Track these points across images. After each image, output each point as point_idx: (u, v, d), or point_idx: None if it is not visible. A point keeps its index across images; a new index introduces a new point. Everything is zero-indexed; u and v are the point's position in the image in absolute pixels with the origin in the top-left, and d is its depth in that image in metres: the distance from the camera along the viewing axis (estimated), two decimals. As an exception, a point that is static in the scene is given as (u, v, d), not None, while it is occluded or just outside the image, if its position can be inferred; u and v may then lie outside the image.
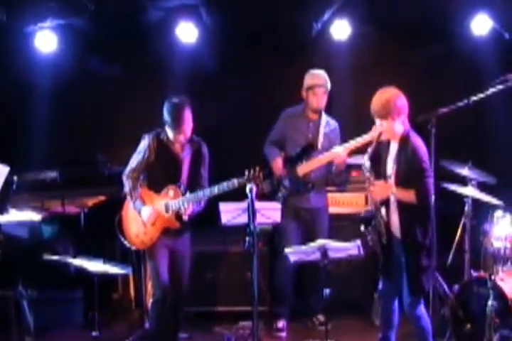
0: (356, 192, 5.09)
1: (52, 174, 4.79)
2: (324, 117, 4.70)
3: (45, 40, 5.11)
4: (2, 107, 5.19)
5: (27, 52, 5.16)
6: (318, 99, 4.62)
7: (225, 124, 5.16)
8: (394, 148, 3.84)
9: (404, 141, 3.77)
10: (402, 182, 3.75)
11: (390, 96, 3.76)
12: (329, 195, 4.97)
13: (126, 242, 4.11)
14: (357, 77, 5.20)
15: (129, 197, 4.03)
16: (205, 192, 3.87)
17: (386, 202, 3.84)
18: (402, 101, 3.78)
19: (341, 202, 5.11)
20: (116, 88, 5.21)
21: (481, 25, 5.06)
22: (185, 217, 3.92)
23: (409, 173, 3.72)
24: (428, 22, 5.03)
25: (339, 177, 4.78)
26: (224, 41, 5.26)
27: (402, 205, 3.76)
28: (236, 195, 4.30)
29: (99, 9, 4.58)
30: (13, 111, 5.21)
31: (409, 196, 3.71)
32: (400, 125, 3.76)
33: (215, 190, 3.84)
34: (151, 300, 4.14)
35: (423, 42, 5.24)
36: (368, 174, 3.81)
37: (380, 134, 3.81)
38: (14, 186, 4.43)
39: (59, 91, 5.22)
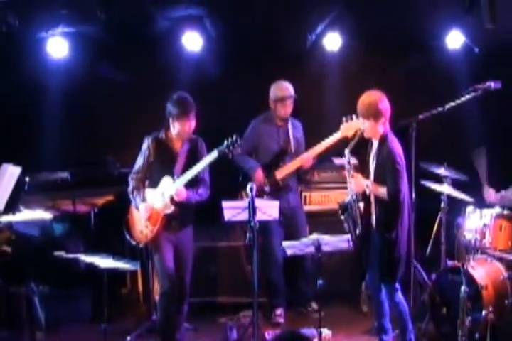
0: (344, 190, 4.79)
1: (63, 174, 4.63)
2: (290, 120, 4.55)
3: (57, 46, 4.85)
4: (15, 110, 4.96)
5: (39, 57, 4.91)
6: (287, 109, 4.46)
7: (226, 126, 4.91)
8: (375, 146, 3.78)
9: (382, 141, 3.72)
10: (377, 178, 3.71)
11: (373, 99, 3.70)
12: (320, 193, 4.83)
13: (133, 241, 3.94)
14: (346, 84, 5.05)
15: (130, 196, 3.86)
16: (192, 170, 3.70)
17: (366, 195, 3.79)
18: (384, 104, 3.71)
19: (331, 199, 4.86)
20: (124, 92, 5.03)
21: (455, 40, 4.95)
22: (176, 197, 3.69)
23: (384, 172, 3.68)
24: (408, 36, 4.93)
25: (305, 176, 4.69)
26: (226, 50, 5.09)
27: (378, 199, 3.73)
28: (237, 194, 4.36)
29: (109, 17, 4.35)
30: (25, 114, 5.01)
31: (382, 192, 3.67)
32: (381, 126, 3.69)
33: (200, 165, 3.70)
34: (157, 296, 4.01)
35: (403, 55, 5.12)
36: (347, 166, 3.78)
37: (362, 132, 3.76)
38: (26, 186, 4.16)
39: (70, 94, 5.02)
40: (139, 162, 3.83)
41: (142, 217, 3.77)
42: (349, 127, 4.22)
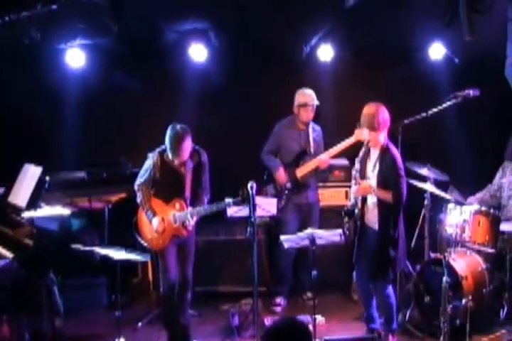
0: (338, 188, 4.87)
1: (80, 174, 4.63)
2: (311, 125, 4.52)
3: (75, 57, 4.83)
4: (36, 115, 4.89)
5: (59, 67, 4.89)
6: (308, 114, 4.43)
7: (228, 131, 4.97)
8: (375, 155, 3.73)
9: (385, 151, 3.69)
10: (381, 184, 3.67)
11: (375, 110, 3.65)
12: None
13: (141, 241, 3.90)
14: (337, 91, 5.00)
15: (141, 208, 3.77)
16: (206, 209, 3.67)
17: (364, 199, 3.76)
18: (385, 115, 3.68)
19: (326, 197, 4.85)
20: (136, 99, 4.98)
21: (437, 51, 4.94)
22: (190, 228, 3.70)
23: (388, 178, 3.66)
24: (394, 48, 4.92)
25: (322, 175, 4.62)
26: (229, 60, 5.02)
27: (381, 203, 3.68)
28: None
29: (122, 31, 4.31)
30: (46, 119, 4.93)
31: (388, 196, 3.64)
32: (383, 136, 3.68)
33: (214, 207, 3.66)
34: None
35: (390, 65, 5.07)
36: (356, 174, 3.72)
37: (368, 142, 3.72)
38: (46, 185, 4.04)
39: (86, 101, 4.96)
40: (145, 175, 3.72)
41: (153, 230, 3.68)
42: (361, 131, 4.11)
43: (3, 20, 3.14)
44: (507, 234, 4.02)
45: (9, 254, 3.64)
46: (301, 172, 4.41)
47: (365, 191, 3.66)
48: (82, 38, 4.61)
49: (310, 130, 4.45)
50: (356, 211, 3.73)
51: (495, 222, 3.96)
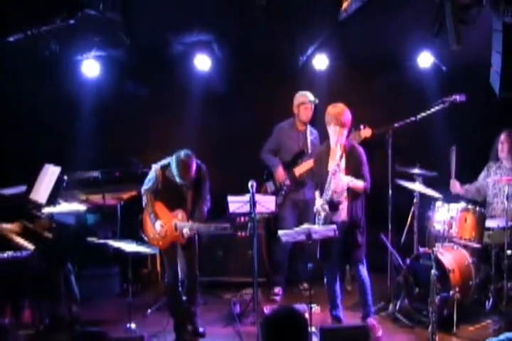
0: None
1: (95, 173, 4.67)
2: (308, 128, 4.58)
3: (90, 68, 4.94)
4: (55, 120, 4.98)
5: (75, 76, 4.99)
6: (308, 113, 4.48)
7: (231, 134, 5.04)
8: (337, 152, 3.77)
9: (352, 147, 3.78)
10: (352, 176, 3.75)
11: (343, 109, 3.73)
12: None
13: (145, 238, 3.89)
14: (332, 98, 4.92)
15: (145, 209, 3.82)
16: (205, 228, 3.70)
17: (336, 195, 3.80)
18: (349, 115, 3.73)
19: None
20: (145, 105, 5.05)
21: (425, 60, 4.96)
22: (184, 238, 3.71)
23: (358, 170, 3.75)
24: (385, 57, 4.97)
25: None
26: (231, 69, 5.09)
27: (350, 195, 3.74)
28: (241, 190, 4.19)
29: (133, 43, 4.40)
30: (64, 123, 5.02)
31: (360, 185, 3.73)
32: (345, 133, 3.76)
33: (213, 229, 3.69)
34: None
35: (381, 72, 5.12)
36: (336, 168, 3.74)
37: (329, 140, 3.77)
38: (64, 183, 4.15)
39: (100, 107, 5.04)
40: (149, 184, 3.73)
41: (156, 232, 3.71)
42: (356, 137, 4.25)
43: (26, 34, 3.24)
44: (492, 230, 4.04)
45: (31, 246, 3.77)
46: (299, 170, 4.46)
47: (343, 182, 3.68)
48: (97, 50, 4.70)
49: (308, 132, 4.52)
50: (327, 208, 3.70)
51: (481, 218, 3.99)
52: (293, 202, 4.48)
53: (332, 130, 3.75)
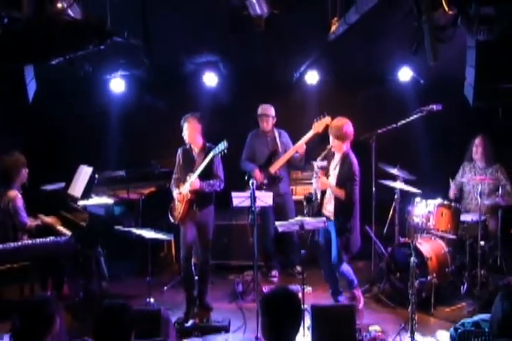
0: (309, 185, 4.84)
1: (121, 173, 4.84)
2: (275, 130, 4.66)
3: (117, 85, 5.12)
4: (88, 129, 5.20)
5: (105, 92, 5.18)
6: (264, 124, 4.60)
7: (235, 141, 4.86)
8: (337, 158, 3.85)
9: (345, 157, 3.80)
10: (338, 183, 3.81)
11: (343, 123, 3.75)
12: (303, 186, 4.93)
13: (172, 219, 4.06)
14: (322, 109, 4.91)
15: (171, 189, 4.05)
16: (199, 168, 3.88)
17: (324, 193, 3.87)
18: (350, 128, 3.76)
19: (299, 191, 5.04)
20: (162, 115, 5.20)
21: (405, 74, 5.07)
22: (190, 188, 3.87)
23: (344, 180, 3.78)
24: (369, 73, 5.05)
25: (300, 162, 4.65)
26: (235, 85, 5.24)
27: (336, 198, 3.80)
28: (241, 187, 4.36)
29: (152, 63, 4.53)
30: (95, 131, 5.23)
31: (341, 194, 3.76)
32: (346, 145, 3.79)
33: (203, 164, 3.87)
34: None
35: (366, 86, 5.21)
36: (317, 169, 3.83)
37: (330, 148, 3.83)
38: (96, 180, 4.40)
39: (125, 117, 5.25)
40: (175, 167, 4.05)
41: (175, 199, 3.94)
42: (318, 125, 4.35)
43: (65, 58, 3.33)
44: (467, 223, 4.13)
45: (68, 232, 4.03)
46: (273, 168, 4.58)
47: (324, 186, 3.82)
48: (123, 70, 4.92)
49: (276, 134, 4.62)
50: (314, 199, 3.89)
51: (456, 213, 4.07)
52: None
53: (331, 141, 3.80)
